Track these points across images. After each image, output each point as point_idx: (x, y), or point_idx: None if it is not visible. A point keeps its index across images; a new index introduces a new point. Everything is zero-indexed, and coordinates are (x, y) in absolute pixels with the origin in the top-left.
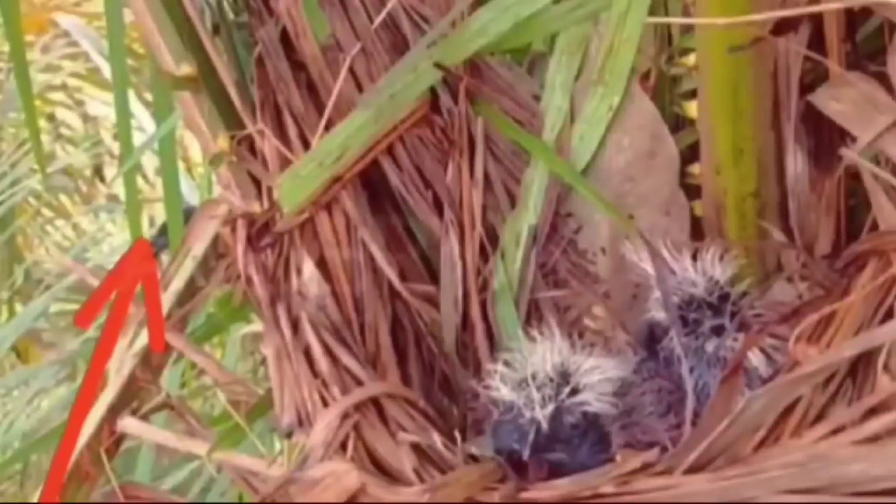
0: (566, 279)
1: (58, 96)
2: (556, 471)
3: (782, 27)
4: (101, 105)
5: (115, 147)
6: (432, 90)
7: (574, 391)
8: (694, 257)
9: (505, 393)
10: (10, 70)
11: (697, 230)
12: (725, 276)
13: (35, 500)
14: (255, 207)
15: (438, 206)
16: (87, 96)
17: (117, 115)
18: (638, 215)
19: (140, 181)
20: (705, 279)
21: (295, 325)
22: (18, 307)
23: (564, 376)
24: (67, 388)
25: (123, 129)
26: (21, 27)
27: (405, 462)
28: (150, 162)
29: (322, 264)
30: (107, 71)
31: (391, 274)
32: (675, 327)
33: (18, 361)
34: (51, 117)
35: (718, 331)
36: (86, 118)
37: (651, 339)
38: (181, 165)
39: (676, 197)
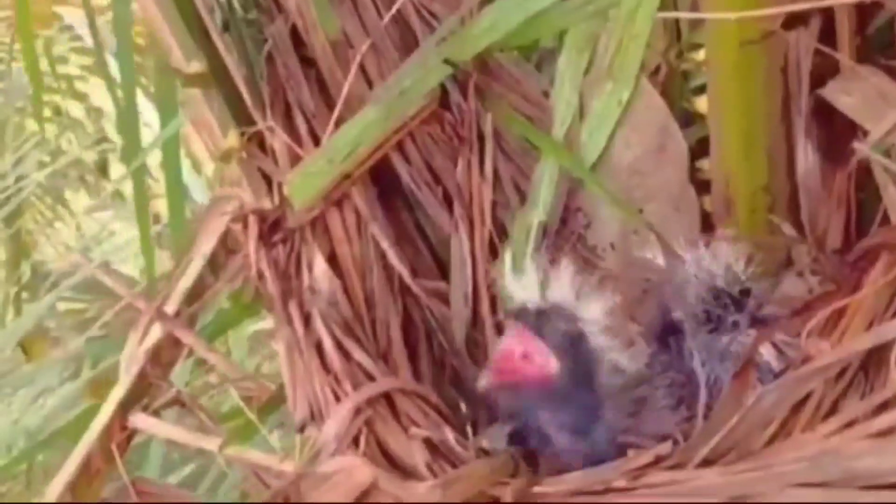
0: None
1: (64, 89)
2: (567, 463)
3: (793, 21)
4: (106, 100)
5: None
6: (442, 87)
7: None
8: (708, 247)
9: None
10: (12, 62)
11: (707, 225)
12: (745, 270)
13: (40, 500)
14: (266, 204)
15: (448, 202)
16: (92, 90)
17: (123, 114)
18: (647, 210)
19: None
20: (725, 272)
21: (307, 321)
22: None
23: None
24: (73, 386)
25: (130, 126)
26: (31, 21)
27: (417, 457)
28: (154, 158)
29: (333, 260)
30: (112, 65)
31: (402, 270)
32: (689, 322)
33: (24, 358)
34: (57, 111)
35: (736, 325)
36: (90, 112)
37: (667, 332)
38: (188, 162)
39: (686, 192)
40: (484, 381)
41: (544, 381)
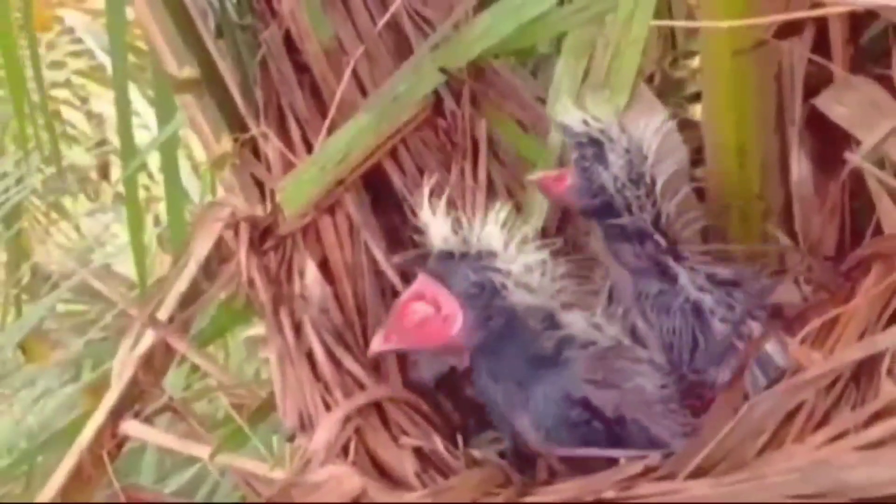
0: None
1: (63, 94)
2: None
3: (786, 30)
4: (106, 103)
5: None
6: (435, 93)
7: None
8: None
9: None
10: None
11: (704, 233)
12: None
13: (40, 501)
14: (259, 210)
15: None
16: (91, 94)
17: (118, 117)
18: None
19: (145, 179)
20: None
21: (297, 329)
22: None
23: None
24: (73, 388)
25: (125, 129)
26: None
27: (407, 466)
28: (155, 160)
29: (325, 267)
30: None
31: (394, 276)
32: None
33: (24, 359)
34: (56, 115)
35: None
36: (90, 116)
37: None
38: (187, 164)
39: (687, 199)
40: (375, 346)
41: (446, 340)
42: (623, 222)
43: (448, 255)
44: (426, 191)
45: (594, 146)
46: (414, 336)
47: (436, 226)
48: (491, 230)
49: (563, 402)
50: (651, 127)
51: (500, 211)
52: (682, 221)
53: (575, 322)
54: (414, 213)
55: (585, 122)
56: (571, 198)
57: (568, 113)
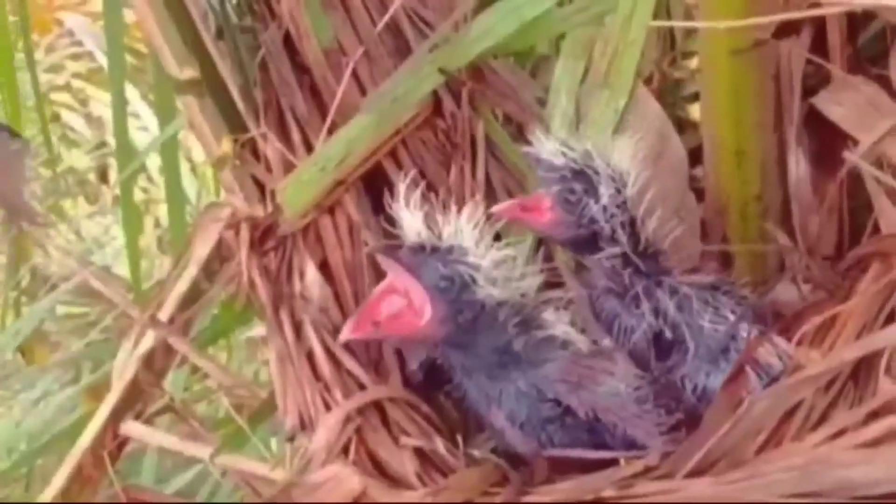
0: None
1: (62, 97)
2: (558, 467)
3: (784, 30)
4: (106, 106)
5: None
6: (435, 93)
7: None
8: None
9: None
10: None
11: (703, 232)
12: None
13: (41, 502)
14: (259, 210)
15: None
16: (90, 97)
17: (114, 118)
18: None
19: (145, 181)
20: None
21: (298, 329)
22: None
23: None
24: (73, 390)
25: (121, 131)
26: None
27: (407, 466)
28: (154, 162)
29: (325, 267)
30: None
31: None
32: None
33: (24, 361)
34: (55, 118)
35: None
36: (90, 119)
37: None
38: (186, 166)
39: (686, 199)
40: (344, 334)
41: (414, 332)
42: (609, 254)
43: (419, 248)
44: (402, 185)
45: (581, 180)
46: (383, 326)
47: (409, 219)
48: (463, 226)
49: (535, 397)
50: (627, 151)
51: (474, 207)
52: (661, 236)
53: (556, 322)
54: (389, 206)
55: (564, 154)
56: (556, 231)
57: (542, 145)
